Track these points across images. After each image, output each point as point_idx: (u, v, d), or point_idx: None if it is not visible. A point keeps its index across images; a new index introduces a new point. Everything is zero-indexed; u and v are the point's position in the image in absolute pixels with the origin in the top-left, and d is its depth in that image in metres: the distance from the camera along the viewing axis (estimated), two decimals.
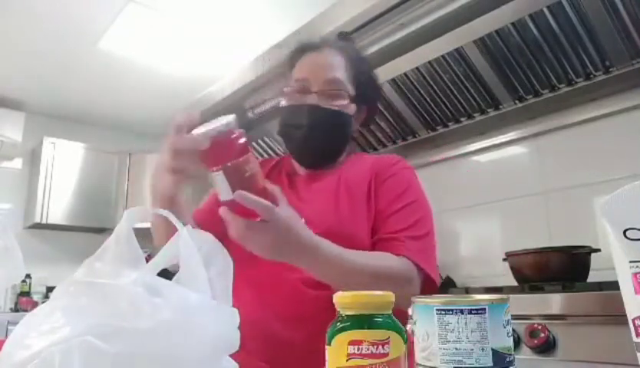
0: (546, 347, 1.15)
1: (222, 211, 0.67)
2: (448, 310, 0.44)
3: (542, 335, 1.15)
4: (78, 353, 0.37)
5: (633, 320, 0.46)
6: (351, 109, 1.03)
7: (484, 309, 0.43)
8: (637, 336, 0.45)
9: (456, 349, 0.43)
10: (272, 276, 0.89)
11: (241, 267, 0.84)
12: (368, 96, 1.07)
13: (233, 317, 0.46)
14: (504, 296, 0.46)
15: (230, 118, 0.67)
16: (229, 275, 0.52)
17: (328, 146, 1.03)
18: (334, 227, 0.90)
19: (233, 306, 0.46)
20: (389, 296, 0.47)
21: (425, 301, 0.46)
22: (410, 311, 0.49)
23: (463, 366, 0.42)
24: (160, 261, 0.50)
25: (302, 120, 0.98)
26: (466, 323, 0.43)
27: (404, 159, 1.07)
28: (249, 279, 0.89)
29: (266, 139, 2.58)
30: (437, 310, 0.44)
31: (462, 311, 0.43)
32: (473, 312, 0.43)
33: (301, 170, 1.09)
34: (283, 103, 1.05)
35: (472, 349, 0.42)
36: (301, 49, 1.06)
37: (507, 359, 0.43)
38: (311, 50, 1.04)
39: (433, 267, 0.92)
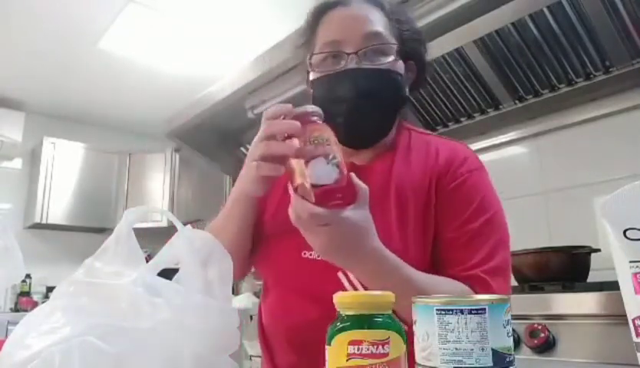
0: (546, 347, 1.15)
1: (295, 199, 0.60)
2: (448, 310, 0.43)
3: (542, 335, 1.15)
4: (78, 353, 0.37)
5: (633, 320, 0.46)
6: (400, 66, 0.83)
7: (484, 309, 0.43)
8: (637, 336, 0.45)
9: (456, 349, 0.43)
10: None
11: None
12: (415, 49, 0.88)
13: (233, 316, 0.46)
14: (504, 296, 0.46)
15: (315, 107, 0.65)
16: (229, 275, 0.52)
17: (381, 117, 0.83)
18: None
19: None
20: (389, 296, 0.47)
21: (425, 301, 0.46)
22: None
23: (463, 366, 0.42)
24: (160, 261, 0.50)
25: (344, 92, 0.78)
26: (466, 323, 0.43)
27: (473, 153, 0.88)
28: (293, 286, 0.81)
29: None
30: (437, 310, 0.44)
31: (462, 311, 0.43)
32: (473, 312, 0.43)
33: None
34: (313, 76, 0.85)
35: (472, 350, 0.42)
36: (324, 7, 0.86)
37: (507, 359, 0.43)
38: (335, 7, 0.85)
39: (509, 293, 0.78)
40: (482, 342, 0.42)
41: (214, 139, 2.74)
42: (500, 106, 1.86)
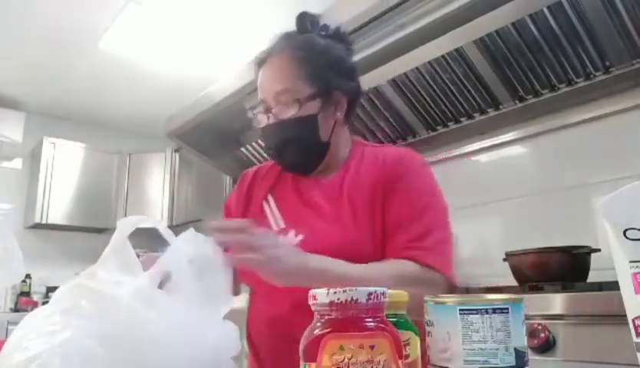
0: (546, 347, 1.15)
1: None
2: (472, 310, 0.43)
3: (542, 335, 1.15)
4: (77, 356, 0.37)
5: (633, 320, 0.45)
6: (312, 107, 0.97)
7: (507, 308, 0.43)
8: (637, 336, 0.45)
9: (481, 349, 0.42)
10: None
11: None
12: (336, 81, 1.00)
13: (232, 330, 0.46)
14: (520, 295, 0.45)
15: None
16: (226, 280, 0.52)
17: (304, 155, 1.01)
18: (337, 239, 0.91)
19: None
20: (404, 295, 0.47)
21: (445, 301, 0.45)
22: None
23: (488, 366, 0.42)
24: (158, 272, 0.50)
25: (271, 141, 1.00)
26: (491, 322, 0.42)
27: (416, 155, 1.02)
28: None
29: None
30: (460, 310, 0.43)
31: (486, 311, 0.42)
32: (497, 311, 0.43)
33: None
34: (258, 126, 1.05)
35: (497, 349, 0.42)
36: (258, 65, 1.03)
37: (525, 358, 0.43)
38: (263, 64, 1.02)
39: (450, 268, 0.90)
40: (506, 341, 0.42)
41: (214, 139, 2.74)
42: (500, 106, 1.86)
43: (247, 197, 1.09)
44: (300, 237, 0.95)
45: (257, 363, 0.99)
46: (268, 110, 0.99)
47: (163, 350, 0.39)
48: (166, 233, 0.47)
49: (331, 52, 1.00)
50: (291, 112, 0.96)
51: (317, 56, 0.99)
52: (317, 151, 1.01)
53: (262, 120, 1.00)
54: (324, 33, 1.04)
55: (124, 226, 0.46)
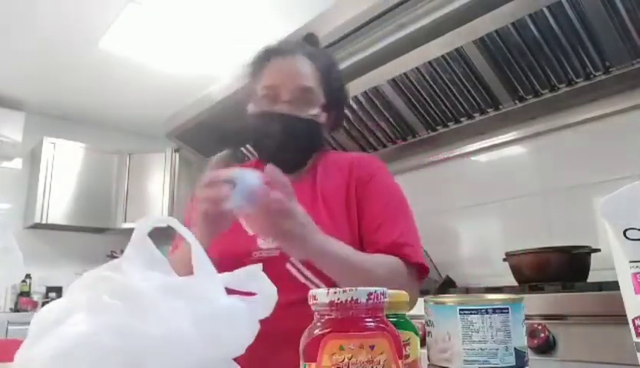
0: (546, 347, 1.15)
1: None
2: (472, 310, 0.43)
3: (542, 335, 1.15)
4: (99, 350, 0.37)
5: (633, 320, 0.45)
6: (323, 117, 1.00)
7: (507, 308, 0.43)
8: (637, 336, 0.45)
9: (482, 349, 0.42)
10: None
11: None
12: (336, 102, 1.05)
13: (253, 323, 0.45)
14: (520, 295, 0.45)
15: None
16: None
17: (300, 155, 1.02)
18: None
19: None
20: (404, 295, 0.47)
21: (445, 301, 0.45)
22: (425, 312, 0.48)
23: (488, 366, 0.42)
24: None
25: (274, 129, 0.96)
26: (491, 322, 0.42)
27: (377, 159, 1.08)
28: None
29: None
30: (460, 310, 0.43)
31: (487, 311, 0.43)
32: (497, 311, 0.43)
33: None
34: (252, 109, 1.02)
35: (497, 349, 0.42)
36: (268, 54, 1.02)
37: (525, 358, 0.43)
38: (279, 56, 1.01)
39: (421, 256, 0.95)
40: (506, 341, 0.42)
41: (214, 139, 2.74)
42: (500, 106, 1.86)
43: None
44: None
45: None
46: (277, 99, 0.96)
47: (181, 347, 0.39)
48: (183, 231, 0.47)
49: (339, 72, 1.07)
50: (308, 111, 0.96)
51: (335, 74, 1.04)
52: (309, 156, 1.04)
53: (265, 105, 0.98)
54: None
55: (142, 226, 0.46)
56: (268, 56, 1.02)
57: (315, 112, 0.98)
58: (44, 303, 3.32)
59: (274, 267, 0.82)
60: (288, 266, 0.91)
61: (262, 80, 1.00)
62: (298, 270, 0.90)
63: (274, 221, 0.75)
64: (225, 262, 0.89)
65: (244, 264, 0.89)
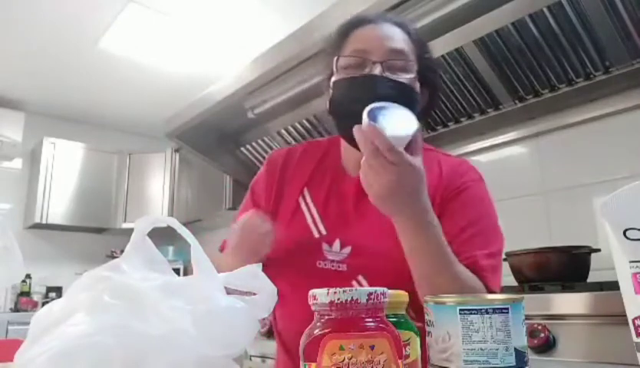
0: (546, 347, 1.15)
1: (357, 131, 0.68)
2: (472, 310, 0.43)
3: (542, 335, 1.15)
4: (98, 350, 0.37)
5: (633, 320, 0.45)
6: (417, 86, 0.87)
7: (507, 308, 0.43)
8: (637, 336, 0.45)
9: (481, 349, 0.42)
10: None
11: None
12: (430, 78, 0.92)
13: (253, 322, 0.45)
14: (520, 295, 0.45)
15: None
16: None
17: None
18: (390, 252, 0.79)
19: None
20: (403, 295, 0.47)
21: (445, 301, 0.45)
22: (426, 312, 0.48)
23: (488, 366, 0.42)
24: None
25: (364, 94, 0.78)
26: (491, 322, 0.42)
27: (472, 167, 0.96)
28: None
29: (266, 138, 2.59)
30: (460, 310, 0.43)
31: (487, 311, 0.42)
32: (497, 311, 0.43)
33: (350, 166, 0.93)
34: (336, 77, 0.87)
35: (497, 349, 0.42)
36: (354, 23, 0.90)
37: (525, 358, 0.43)
38: (367, 23, 0.89)
39: (498, 287, 0.86)
40: (506, 341, 0.42)
41: (214, 139, 2.74)
42: (500, 106, 1.86)
43: (279, 187, 0.97)
44: (348, 249, 0.87)
45: (289, 358, 0.93)
46: (366, 64, 0.83)
47: (181, 347, 0.39)
48: (183, 231, 0.47)
49: (433, 55, 0.98)
50: (407, 76, 0.84)
51: (425, 47, 0.94)
52: None
53: (352, 71, 0.85)
54: None
55: (142, 225, 0.46)
56: (354, 25, 0.90)
57: (410, 76, 0.84)
58: (44, 303, 3.32)
59: (340, 282, 0.79)
60: (354, 284, 0.84)
61: (349, 47, 0.87)
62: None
63: (400, 170, 0.66)
64: (286, 263, 0.86)
65: (306, 271, 0.86)
